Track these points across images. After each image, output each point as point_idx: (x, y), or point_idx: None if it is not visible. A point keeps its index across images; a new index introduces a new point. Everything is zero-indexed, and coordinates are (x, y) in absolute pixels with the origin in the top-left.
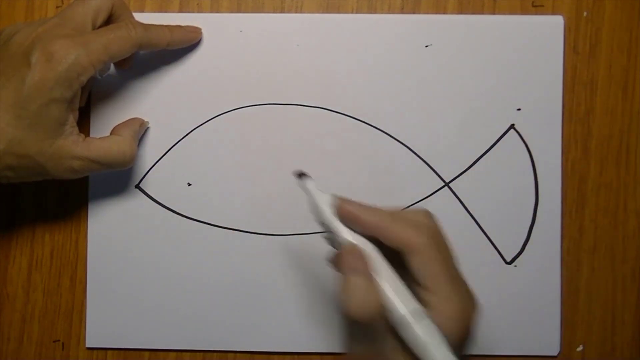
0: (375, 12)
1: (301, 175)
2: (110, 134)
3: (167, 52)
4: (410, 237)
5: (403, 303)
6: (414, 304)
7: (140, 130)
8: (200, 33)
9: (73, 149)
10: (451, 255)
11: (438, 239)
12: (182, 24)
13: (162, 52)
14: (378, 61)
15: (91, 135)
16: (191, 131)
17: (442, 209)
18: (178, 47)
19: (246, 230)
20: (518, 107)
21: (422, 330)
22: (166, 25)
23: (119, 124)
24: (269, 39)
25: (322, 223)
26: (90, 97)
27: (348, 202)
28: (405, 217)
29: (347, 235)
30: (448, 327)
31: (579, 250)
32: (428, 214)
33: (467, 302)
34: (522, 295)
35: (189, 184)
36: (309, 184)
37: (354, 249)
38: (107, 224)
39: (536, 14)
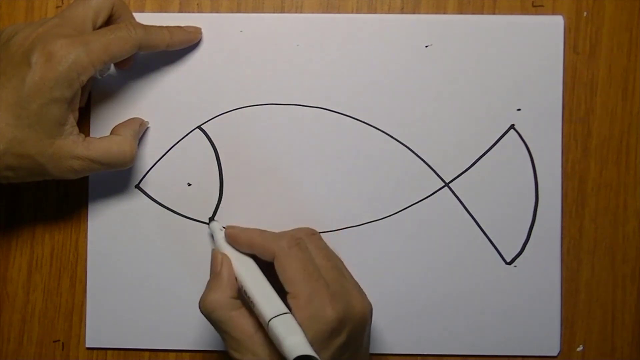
0: (375, 12)
1: (210, 219)
2: (110, 133)
3: (167, 52)
4: (270, 245)
5: (267, 305)
6: (278, 306)
7: (140, 130)
8: (200, 33)
9: (73, 149)
10: (319, 255)
11: (301, 245)
12: (182, 24)
13: (162, 53)
14: (378, 61)
15: (91, 136)
16: (191, 131)
17: (442, 209)
18: (178, 48)
19: None
20: (518, 107)
21: (278, 322)
22: (166, 27)
23: (118, 124)
24: (269, 39)
25: (217, 247)
26: (90, 97)
27: (232, 227)
28: (273, 232)
29: (224, 247)
30: (306, 327)
31: (579, 250)
32: (301, 228)
33: (326, 304)
34: (522, 295)
35: (189, 184)
36: (213, 225)
37: (214, 254)
38: (107, 224)
39: (536, 14)
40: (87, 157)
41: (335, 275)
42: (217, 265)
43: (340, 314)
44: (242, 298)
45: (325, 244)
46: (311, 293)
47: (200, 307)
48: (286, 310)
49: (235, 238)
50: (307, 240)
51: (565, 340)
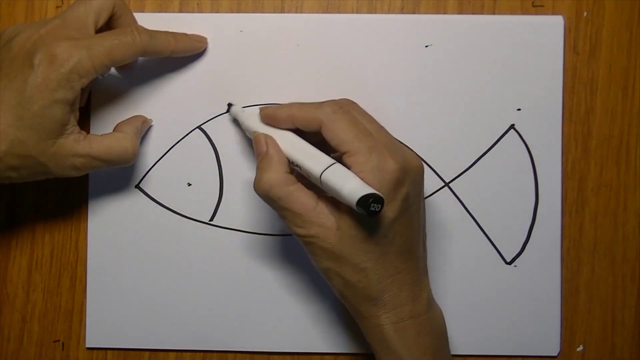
0: (375, 12)
1: (229, 105)
2: (113, 131)
3: None
4: (314, 113)
5: (314, 161)
6: (325, 159)
7: (142, 128)
8: (206, 43)
9: (75, 147)
10: (363, 119)
11: (344, 108)
12: (182, 24)
13: None
14: (378, 61)
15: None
16: (191, 131)
17: (442, 209)
18: (182, 56)
19: (246, 230)
20: (518, 107)
21: (331, 173)
22: (171, 33)
23: (121, 122)
24: (269, 39)
25: (247, 130)
26: (91, 97)
27: (266, 107)
28: (312, 103)
29: (257, 128)
30: (371, 180)
31: (579, 250)
32: (340, 99)
33: (386, 156)
34: (522, 295)
35: (189, 184)
36: (234, 108)
37: (257, 136)
38: (107, 224)
39: (536, 14)
40: (88, 155)
41: (385, 134)
42: (263, 146)
43: (401, 163)
44: (295, 173)
45: (364, 110)
46: (368, 147)
47: (256, 189)
48: (334, 161)
49: (274, 117)
50: (349, 107)
51: (565, 340)
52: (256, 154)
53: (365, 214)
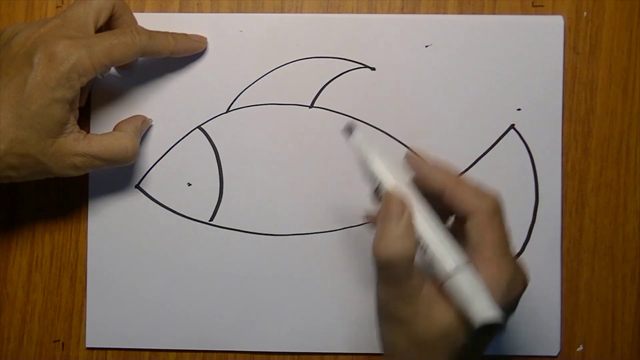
0: (375, 12)
1: (350, 129)
2: (113, 130)
3: None
4: (473, 201)
5: (449, 256)
6: (459, 257)
7: (142, 127)
8: (205, 43)
9: (74, 146)
10: (507, 233)
11: (498, 213)
12: (182, 24)
13: None
14: (378, 61)
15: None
16: (191, 131)
17: None
18: (182, 56)
19: (246, 230)
20: (518, 107)
21: (466, 280)
22: (171, 33)
23: (121, 121)
24: (269, 39)
25: (371, 176)
26: (91, 97)
27: (418, 159)
28: (471, 184)
29: (388, 177)
30: (493, 295)
31: (579, 250)
32: (494, 192)
33: (516, 278)
34: (522, 295)
35: (189, 184)
36: (359, 139)
37: (393, 195)
38: (107, 224)
39: (536, 14)
40: (88, 154)
41: (511, 251)
42: (399, 208)
43: (521, 287)
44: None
45: None
46: (502, 261)
47: (379, 254)
48: (465, 264)
49: (425, 177)
50: (502, 212)
51: (565, 340)
52: (387, 211)
53: (484, 334)
